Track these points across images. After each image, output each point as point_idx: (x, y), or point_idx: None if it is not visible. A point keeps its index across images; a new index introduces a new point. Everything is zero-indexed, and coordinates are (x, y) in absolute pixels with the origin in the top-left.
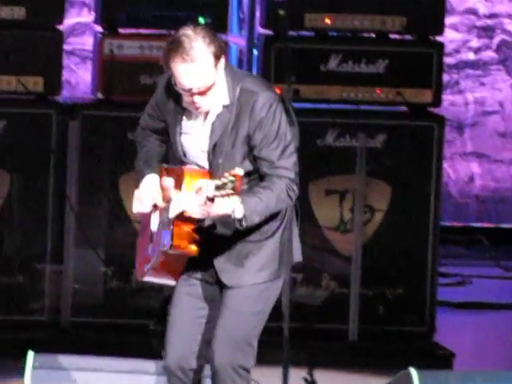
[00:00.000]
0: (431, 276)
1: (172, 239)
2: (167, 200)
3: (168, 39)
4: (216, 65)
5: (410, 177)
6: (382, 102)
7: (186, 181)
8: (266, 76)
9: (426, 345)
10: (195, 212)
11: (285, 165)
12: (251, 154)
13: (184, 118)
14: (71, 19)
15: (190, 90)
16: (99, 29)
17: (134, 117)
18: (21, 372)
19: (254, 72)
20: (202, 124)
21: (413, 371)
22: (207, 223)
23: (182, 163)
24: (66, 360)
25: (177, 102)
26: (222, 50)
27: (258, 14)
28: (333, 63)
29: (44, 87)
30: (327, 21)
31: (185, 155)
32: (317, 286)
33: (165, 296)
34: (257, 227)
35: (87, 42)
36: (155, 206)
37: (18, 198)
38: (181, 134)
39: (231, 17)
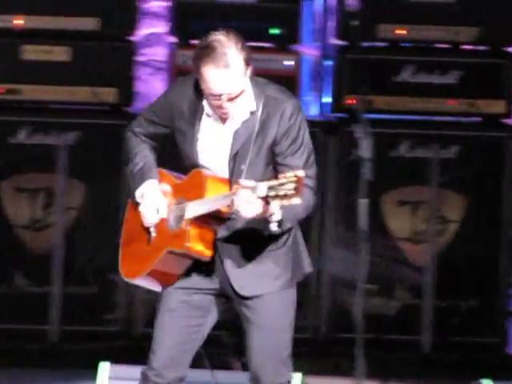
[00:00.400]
0: (504, 287)
1: (189, 240)
2: (178, 202)
3: (199, 44)
4: (246, 71)
5: (483, 188)
6: (454, 112)
7: (208, 185)
8: (339, 87)
9: (498, 356)
10: (245, 209)
11: (309, 174)
12: (274, 161)
13: (202, 123)
14: (145, 30)
15: (219, 96)
16: (172, 40)
17: None
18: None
19: (328, 83)
20: (222, 130)
21: (485, 383)
22: (239, 225)
23: (192, 168)
24: (139, 370)
25: (194, 108)
26: (250, 57)
27: (330, 24)
28: (406, 74)
29: (118, 98)
30: (400, 31)
31: (197, 160)
32: (390, 296)
33: None
34: (272, 237)
35: (160, 53)
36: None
37: (91, 208)
38: (197, 139)
39: (304, 28)
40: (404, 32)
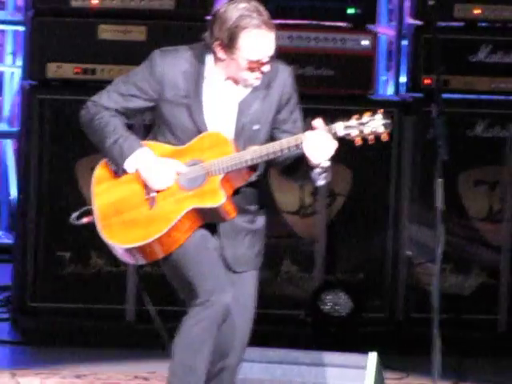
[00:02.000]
0: None
1: (224, 196)
2: (191, 163)
3: (226, 16)
4: None
5: None
6: None
7: (231, 143)
8: (415, 66)
9: None
10: (319, 151)
11: None
12: (272, 132)
13: (204, 93)
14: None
15: (262, 59)
16: None
17: None
18: None
19: (404, 63)
20: (228, 97)
21: None
22: (322, 182)
23: (189, 139)
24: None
25: (193, 79)
26: None
27: (407, 4)
28: (482, 54)
29: None
30: (476, 11)
31: (206, 128)
32: (466, 276)
33: (316, 287)
34: (261, 214)
35: None
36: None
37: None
38: (203, 108)
39: (380, 7)
40: (480, 12)
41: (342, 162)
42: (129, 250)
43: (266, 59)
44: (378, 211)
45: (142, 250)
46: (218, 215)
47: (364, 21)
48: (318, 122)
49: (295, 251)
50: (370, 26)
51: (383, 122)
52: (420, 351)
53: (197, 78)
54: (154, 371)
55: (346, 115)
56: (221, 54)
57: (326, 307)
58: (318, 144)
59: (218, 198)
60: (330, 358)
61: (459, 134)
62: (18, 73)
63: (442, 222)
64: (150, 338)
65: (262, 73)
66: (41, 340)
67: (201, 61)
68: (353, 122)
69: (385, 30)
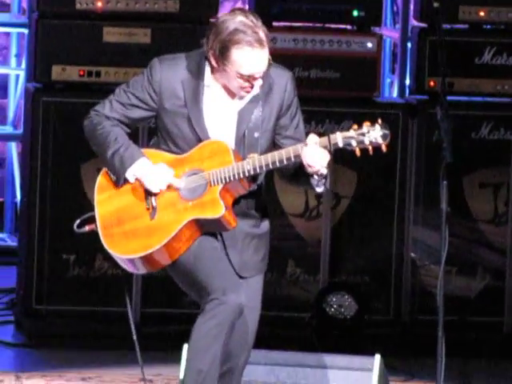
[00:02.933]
0: None
1: (224, 207)
2: (191, 173)
3: (222, 28)
4: None
5: None
6: None
7: (233, 152)
8: (420, 69)
9: None
10: (318, 161)
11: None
12: (274, 138)
13: (204, 102)
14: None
15: (254, 75)
16: None
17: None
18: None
19: (408, 65)
20: (228, 105)
21: None
22: (321, 189)
23: (191, 148)
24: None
25: (192, 88)
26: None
27: (411, 6)
28: (487, 56)
29: None
30: (481, 13)
31: (208, 137)
32: (471, 278)
33: (320, 289)
34: (265, 217)
35: None
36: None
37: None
38: (204, 117)
39: (385, 10)
40: (485, 14)
41: (347, 165)
42: (130, 261)
43: (257, 74)
44: (383, 213)
45: (142, 260)
46: (218, 226)
47: (369, 23)
48: (312, 138)
49: (300, 253)
50: (375, 29)
51: (382, 132)
52: (425, 353)
53: (196, 87)
54: (159, 374)
55: (351, 117)
56: (214, 62)
57: (331, 309)
58: (314, 154)
59: (217, 210)
60: (335, 361)
61: (464, 137)
62: (22, 75)
63: (447, 224)
64: (155, 341)
65: (253, 86)
66: (46, 342)
67: (200, 69)
68: (352, 132)
69: (390, 33)
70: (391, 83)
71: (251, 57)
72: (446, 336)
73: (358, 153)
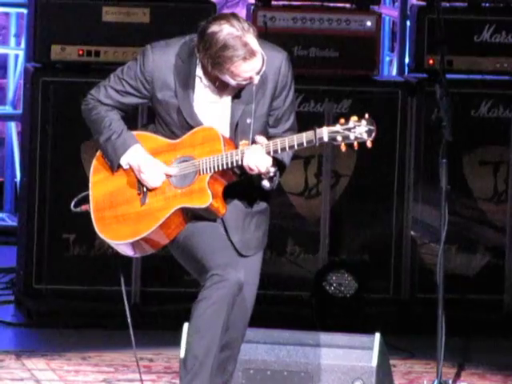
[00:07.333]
0: None
1: (211, 196)
2: (182, 160)
3: (211, 41)
4: None
5: None
6: None
7: (225, 139)
8: (419, 47)
9: None
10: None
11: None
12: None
13: (196, 90)
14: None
15: (250, 76)
16: (252, 0)
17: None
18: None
19: (407, 43)
20: (222, 94)
21: None
22: (266, 187)
23: (182, 133)
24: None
25: (184, 77)
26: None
27: None
28: (486, 34)
29: None
30: None
31: (191, 124)
32: (471, 256)
33: (320, 268)
34: (264, 193)
35: (240, 14)
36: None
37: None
38: (194, 106)
39: None
40: None
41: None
42: (121, 245)
43: (254, 76)
44: (383, 192)
45: (132, 245)
46: (207, 213)
47: (368, 2)
48: (260, 139)
49: (300, 232)
50: (374, 7)
51: (367, 128)
52: (425, 332)
53: (187, 76)
54: (159, 353)
55: (350, 96)
56: (208, 69)
57: (331, 288)
58: (251, 158)
59: (204, 199)
60: (335, 339)
61: (464, 115)
62: (21, 55)
63: (447, 203)
64: (155, 320)
65: (251, 80)
66: (46, 322)
67: (192, 58)
68: (338, 127)
69: (388, 11)
70: (390, 62)
71: (245, 67)
72: (446, 314)
73: (343, 148)
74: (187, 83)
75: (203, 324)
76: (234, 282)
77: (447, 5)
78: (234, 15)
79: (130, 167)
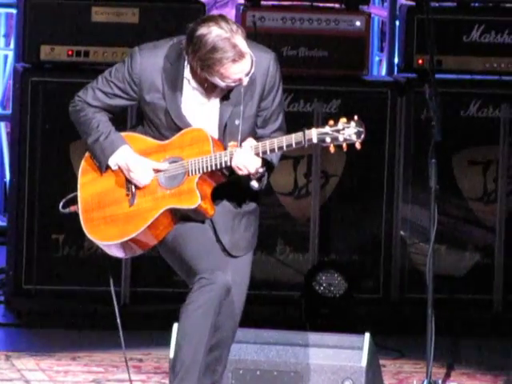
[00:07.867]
0: None
1: (200, 197)
2: (172, 161)
3: (200, 44)
4: None
5: None
6: None
7: (214, 140)
8: (408, 47)
9: None
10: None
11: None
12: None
13: (184, 92)
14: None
15: (240, 78)
16: (241, 1)
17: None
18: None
19: (396, 43)
20: (210, 96)
21: None
22: (255, 187)
23: (171, 134)
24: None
25: (172, 79)
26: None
27: None
28: (475, 34)
29: None
30: None
31: (180, 126)
32: (461, 256)
33: (310, 268)
34: (254, 193)
35: (229, 14)
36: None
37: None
38: (182, 108)
39: None
40: None
41: None
42: (109, 246)
43: (243, 77)
44: (372, 192)
45: (121, 246)
46: (195, 214)
47: (357, 2)
48: (248, 143)
49: (289, 232)
50: (363, 7)
51: (356, 130)
52: (415, 332)
53: (175, 78)
54: (148, 353)
55: (339, 96)
56: (197, 71)
57: (321, 288)
58: (239, 159)
59: (193, 200)
60: (325, 339)
61: (453, 115)
62: (11, 55)
63: (436, 203)
64: (144, 320)
65: (240, 81)
66: (35, 322)
67: (180, 60)
68: (327, 129)
69: (378, 11)
70: (380, 61)
71: (235, 69)
72: (436, 314)
73: (332, 150)
74: (175, 85)
75: (190, 328)
76: (221, 285)
77: (436, 5)
78: (222, 17)
79: (119, 167)
